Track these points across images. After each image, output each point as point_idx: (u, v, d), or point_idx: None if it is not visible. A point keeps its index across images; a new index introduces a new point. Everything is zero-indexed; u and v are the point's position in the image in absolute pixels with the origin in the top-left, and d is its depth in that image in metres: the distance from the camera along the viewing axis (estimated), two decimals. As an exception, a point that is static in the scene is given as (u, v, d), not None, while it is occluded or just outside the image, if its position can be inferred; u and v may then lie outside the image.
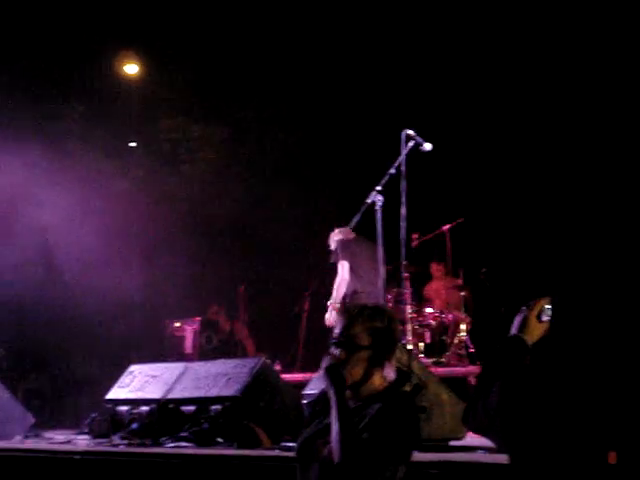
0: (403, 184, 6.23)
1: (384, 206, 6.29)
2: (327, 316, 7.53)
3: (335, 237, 7.67)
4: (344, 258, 7.44)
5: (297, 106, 11.16)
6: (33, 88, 11.14)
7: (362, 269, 7.46)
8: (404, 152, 6.30)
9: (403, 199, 6.18)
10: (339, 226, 7.68)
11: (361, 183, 6.73)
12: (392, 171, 6.30)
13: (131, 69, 12.03)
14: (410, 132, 6.36)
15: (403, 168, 6.26)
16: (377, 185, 6.30)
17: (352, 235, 7.66)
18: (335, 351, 2.99)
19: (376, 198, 6.28)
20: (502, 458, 3.73)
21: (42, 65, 11.06)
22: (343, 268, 7.42)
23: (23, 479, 5.58)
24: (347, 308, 3.16)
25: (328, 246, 7.80)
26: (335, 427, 2.84)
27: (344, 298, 7.46)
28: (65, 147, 11.76)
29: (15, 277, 10.60)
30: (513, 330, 2.60)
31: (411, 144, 6.33)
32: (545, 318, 2.60)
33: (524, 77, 9.20)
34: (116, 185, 11.84)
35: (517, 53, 9.18)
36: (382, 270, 7.27)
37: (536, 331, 2.58)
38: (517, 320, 2.61)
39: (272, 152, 11.79)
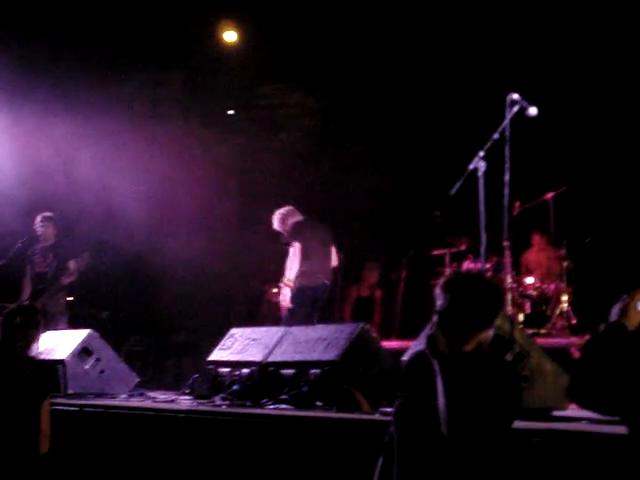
0: (507, 150, 6.06)
1: (487, 172, 6.15)
2: (281, 297, 7.94)
3: (287, 220, 8.16)
4: (297, 239, 7.92)
5: (398, 73, 11.02)
6: (136, 55, 11.34)
7: (312, 250, 7.96)
8: (509, 117, 6.13)
9: (507, 165, 6.02)
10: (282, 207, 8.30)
11: (464, 148, 6.58)
12: (496, 136, 6.14)
13: (230, 37, 12.11)
14: (515, 96, 6.19)
15: (507, 133, 6.10)
16: (480, 150, 6.16)
17: (300, 216, 8.20)
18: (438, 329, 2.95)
19: (479, 164, 6.13)
20: (607, 429, 3.66)
21: (145, 33, 11.23)
22: (296, 248, 7.88)
23: (129, 435, 5.75)
24: (449, 283, 3.01)
25: (284, 224, 8.21)
26: (442, 401, 2.83)
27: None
28: (165, 114, 11.97)
29: (120, 244, 10.90)
30: (613, 317, 2.68)
31: (516, 108, 6.16)
32: None
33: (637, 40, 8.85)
34: (214, 152, 11.98)
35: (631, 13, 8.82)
36: (333, 251, 8.29)
37: (635, 319, 2.65)
38: (617, 307, 2.70)
39: (372, 119, 11.69)
